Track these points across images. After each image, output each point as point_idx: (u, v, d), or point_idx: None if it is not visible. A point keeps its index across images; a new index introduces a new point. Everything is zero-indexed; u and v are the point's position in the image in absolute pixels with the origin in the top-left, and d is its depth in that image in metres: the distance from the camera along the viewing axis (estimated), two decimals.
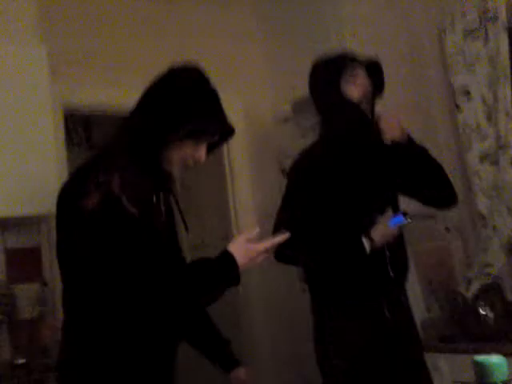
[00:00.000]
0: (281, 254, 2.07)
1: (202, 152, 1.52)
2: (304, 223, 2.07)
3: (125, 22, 3.18)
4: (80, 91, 2.95)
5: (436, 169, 2.16)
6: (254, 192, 3.47)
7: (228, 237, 3.46)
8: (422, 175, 2.14)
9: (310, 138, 3.18)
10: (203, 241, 3.94)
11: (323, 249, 2.08)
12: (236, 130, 1.61)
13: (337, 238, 2.06)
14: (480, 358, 0.70)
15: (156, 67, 3.08)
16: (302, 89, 3.21)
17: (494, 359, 0.70)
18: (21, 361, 2.40)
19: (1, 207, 2.38)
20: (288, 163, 3.34)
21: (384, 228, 2.01)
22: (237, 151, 3.48)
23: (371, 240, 2.00)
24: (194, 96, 1.48)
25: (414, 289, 2.44)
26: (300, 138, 3.39)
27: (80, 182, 1.37)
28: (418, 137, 2.80)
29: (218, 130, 1.55)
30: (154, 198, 1.49)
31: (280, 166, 3.46)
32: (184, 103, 1.46)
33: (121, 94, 2.79)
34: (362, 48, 2.96)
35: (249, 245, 1.44)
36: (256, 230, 1.47)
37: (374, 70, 2.19)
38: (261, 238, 1.41)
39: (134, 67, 3.04)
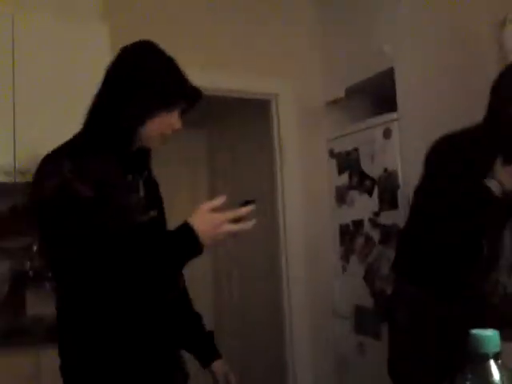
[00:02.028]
0: None
1: (177, 120, 1.51)
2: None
3: (184, 2, 3.27)
4: None
5: None
6: (303, 172, 3.51)
7: (276, 219, 3.54)
8: None
9: (361, 122, 3.23)
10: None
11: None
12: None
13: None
14: (475, 331, 0.77)
15: (213, 48, 3.22)
16: (355, 74, 3.29)
17: (487, 332, 0.76)
18: None
19: None
20: (336, 144, 3.42)
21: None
22: (286, 133, 3.53)
23: (500, 183, 1.82)
24: (153, 67, 1.48)
25: None
26: (351, 121, 3.43)
27: (38, 170, 1.42)
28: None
29: (188, 95, 1.52)
30: (130, 177, 1.49)
31: (328, 147, 3.50)
32: (145, 76, 1.46)
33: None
34: (418, 36, 2.98)
35: (211, 214, 1.37)
36: (221, 199, 1.40)
37: None
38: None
39: (191, 45, 3.12)
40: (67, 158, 1.40)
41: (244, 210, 1.39)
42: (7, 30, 2.61)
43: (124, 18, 3.01)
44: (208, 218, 1.37)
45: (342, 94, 3.39)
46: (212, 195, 4.38)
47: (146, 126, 1.47)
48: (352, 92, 3.36)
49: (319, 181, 3.51)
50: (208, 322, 1.81)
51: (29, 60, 2.64)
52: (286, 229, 3.47)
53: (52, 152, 1.45)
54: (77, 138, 1.50)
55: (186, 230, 1.36)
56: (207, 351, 1.75)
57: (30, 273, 2.67)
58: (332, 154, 3.45)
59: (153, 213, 1.53)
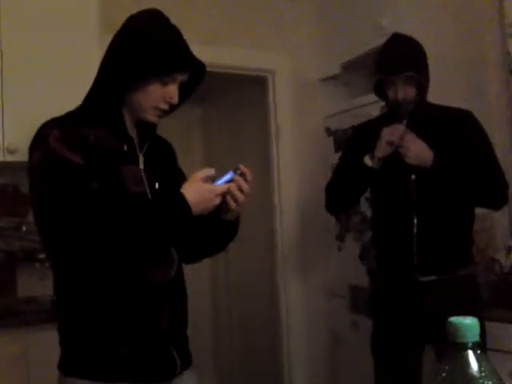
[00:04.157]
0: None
1: (172, 92, 1.45)
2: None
3: None
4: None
5: (473, 184, 2.14)
6: (298, 150, 3.47)
7: (271, 194, 3.50)
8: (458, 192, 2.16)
9: (358, 99, 3.17)
10: None
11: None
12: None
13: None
14: (453, 318, 0.72)
15: (209, 23, 3.15)
16: (353, 49, 3.22)
17: (467, 320, 0.71)
18: None
19: None
20: (332, 122, 3.36)
21: (381, 141, 2.14)
22: (283, 110, 3.48)
23: (372, 155, 2.14)
24: (150, 33, 1.43)
25: None
26: (348, 98, 3.36)
27: (31, 141, 1.42)
28: (470, 100, 2.77)
29: (181, 65, 1.46)
30: (126, 147, 1.46)
31: (324, 124, 3.44)
32: (139, 41, 1.42)
33: None
34: (418, 9, 2.91)
35: (204, 184, 1.40)
36: (211, 171, 1.43)
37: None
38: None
39: (185, 20, 2.99)
40: (56, 127, 1.39)
41: (234, 187, 1.43)
42: None
43: None
44: (201, 190, 1.39)
45: (338, 69, 3.32)
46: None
47: (137, 96, 1.43)
48: (349, 68, 3.29)
49: (315, 158, 3.46)
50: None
51: (16, 34, 2.58)
52: (282, 206, 3.43)
53: (44, 122, 1.43)
54: (74, 109, 1.48)
55: (179, 199, 1.37)
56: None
57: (20, 253, 2.64)
58: (329, 131, 3.39)
59: (153, 186, 1.49)
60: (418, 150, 2.10)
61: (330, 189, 2.38)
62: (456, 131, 2.17)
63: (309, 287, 3.43)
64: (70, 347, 1.45)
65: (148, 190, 1.48)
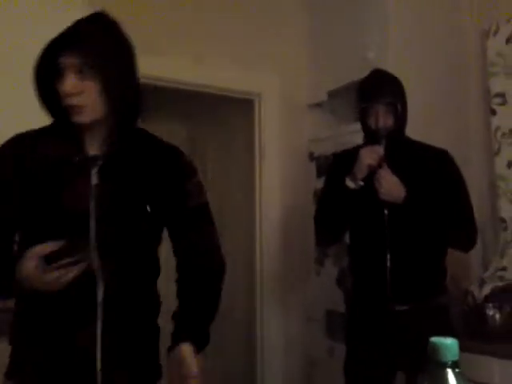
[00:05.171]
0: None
1: (63, 84, 1.39)
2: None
3: None
4: None
5: (441, 224, 2.22)
6: (282, 173, 3.50)
7: (253, 215, 3.53)
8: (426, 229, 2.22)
9: (341, 127, 3.23)
10: (224, 213, 4.01)
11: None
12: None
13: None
14: (435, 338, 0.76)
15: (189, 36, 3.13)
16: (339, 78, 3.29)
17: (448, 341, 0.76)
18: None
19: None
20: (318, 148, 3.42)
21: (359, 161, 2.20)
22: (268, 132, 3.52)
23: (353, 175, 2.18)
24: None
25: None
26: (333, 125, 3.42)
27: None
28: (451, 137, 2.86)
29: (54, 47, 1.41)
30: (76, 159, 1.44)
31: (309, 150, 3.50)
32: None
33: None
34: (404, 45, 3.01)
35: (41, 266, 1.33)
36: (53, 246, 1.34)
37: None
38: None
39: (173, 38, 2.97)
40: (12, 138, 1.47)
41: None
42: None
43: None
44: (28, 271, 1.36)
45: (324, 97, 3.39)
46: None
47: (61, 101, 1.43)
48: (335, 96, 3.36)
49: (299, 183, 3.50)
50: None
51: None
52: (262, 228, 3.46)
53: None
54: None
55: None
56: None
57: None
58: (312, 156, 3.45)
59: (104, 202, 1.43)
60: (390, 187, 2.14)
61: (317, 220, 2.40)
62: (431, 168, 2.23)
63: (286, 310, 3.44)
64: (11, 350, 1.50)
65: (93, 207, 1.42)
